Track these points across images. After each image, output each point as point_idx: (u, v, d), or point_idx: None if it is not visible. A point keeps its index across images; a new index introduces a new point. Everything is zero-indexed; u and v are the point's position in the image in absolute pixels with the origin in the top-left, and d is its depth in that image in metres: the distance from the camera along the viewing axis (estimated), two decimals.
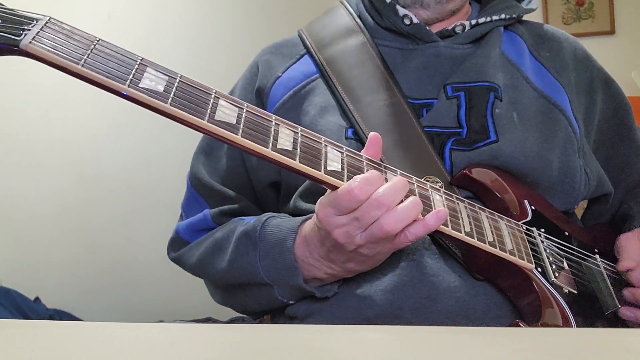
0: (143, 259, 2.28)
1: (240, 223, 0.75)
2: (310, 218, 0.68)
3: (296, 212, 0.76)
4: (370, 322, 0.65)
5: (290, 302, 0.71)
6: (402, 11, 0.80)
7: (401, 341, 0.44)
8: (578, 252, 0.75)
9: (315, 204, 0.75)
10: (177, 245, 0.84)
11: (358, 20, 0.85)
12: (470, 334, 0.47)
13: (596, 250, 0.77)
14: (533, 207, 0.73)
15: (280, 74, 0.83)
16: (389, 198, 0.56)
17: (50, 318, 2.11)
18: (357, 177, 0.56)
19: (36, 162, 2.32)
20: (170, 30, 2.38)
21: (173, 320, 0.66)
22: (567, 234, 0.76)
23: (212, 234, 0.79)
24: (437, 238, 0.68)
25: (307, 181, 0.76)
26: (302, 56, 0.85)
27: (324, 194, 0.76)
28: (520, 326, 0.59)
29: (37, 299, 2.16)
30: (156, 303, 2.30)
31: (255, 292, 0.73)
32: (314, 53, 0.83)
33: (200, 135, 0.91)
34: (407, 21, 0.80)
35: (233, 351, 0.42)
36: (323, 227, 0.60)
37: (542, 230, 0.72)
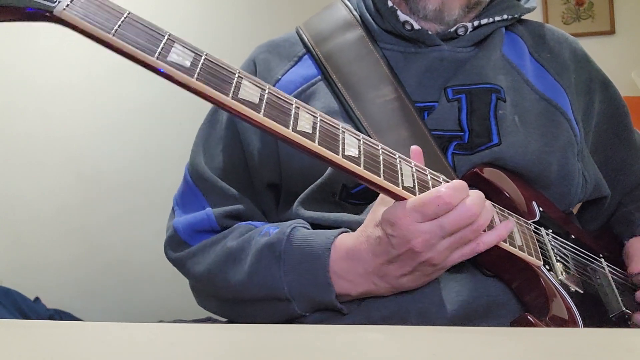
0: (143, 259, 2.28)
1: (257, 232, 0.72)
2: (346, 231, 0.67)
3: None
4: (376, 324, 0.65)
5: (306, 314, 0.69)
6: (402, 17, 0.79)
7: (401, 341, 0.44)
8: (584, 254, 0.75)
9: (317, 211, 0.74)
10: (176, 245, 0.80)
11: (356, 13, 0.84)
12: (470, 333, 0.47)
13: (601, 255, 0.77)
14: (541, 209, 0.73)
15: (280, 77, 0.81)
16: (475, 208, 0.58)
17: (50, 318, 2.10)
18: (444, 185, 0.58)
19: (36, 162, 2.32)
20: (170, 31, 2.37)
21: (173, 320, 0.66)
22: (573, 236, 0.76)
23: (221, 241, 0.75)
24: None
25: (308, 188, 0.75)
26: (300, 58, 0.83)
27: (325, 201, 0.75)
28: (529, 319, 0.59)
29: (37, 299, 2.16)
30: (156, 303, 2.30)
31: (270, 307, 0.70)
32: (311, 48, 0.81)
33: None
34: (408, 27, 0.79)
35: (233, 351, 0.42)
36: (401, 236, 0.58)
37: (550, 231, 0.73)
